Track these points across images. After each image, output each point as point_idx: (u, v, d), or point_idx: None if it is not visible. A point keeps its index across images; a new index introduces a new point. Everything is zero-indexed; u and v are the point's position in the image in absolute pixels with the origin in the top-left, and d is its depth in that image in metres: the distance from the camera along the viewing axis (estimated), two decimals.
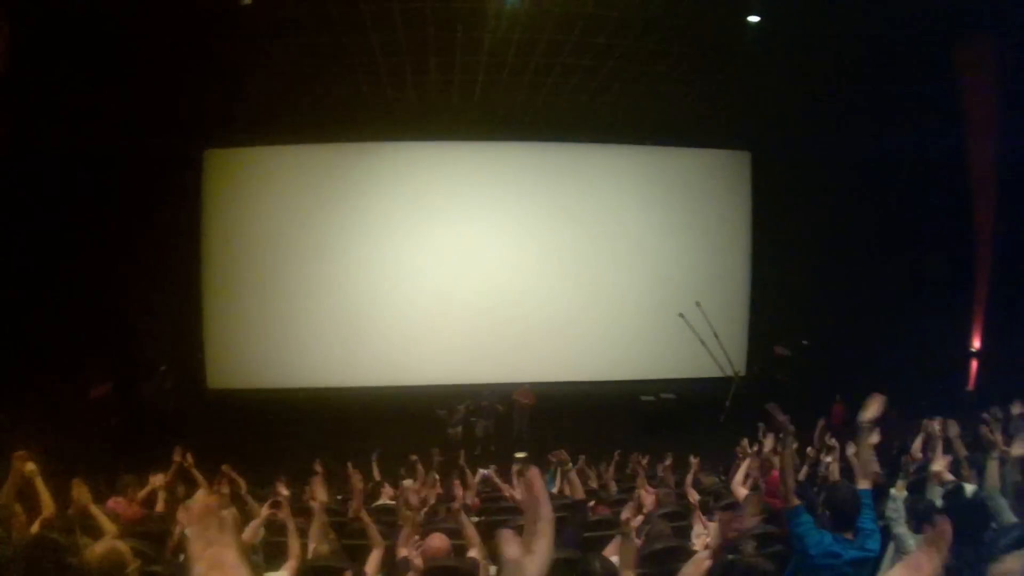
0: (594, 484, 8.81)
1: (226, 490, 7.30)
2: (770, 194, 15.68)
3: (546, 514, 1.68)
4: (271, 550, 5.29)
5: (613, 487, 8.77)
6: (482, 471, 9.31)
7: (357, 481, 5.94)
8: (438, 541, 4.49)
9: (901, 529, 4.51)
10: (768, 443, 8.13)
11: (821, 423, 9.54)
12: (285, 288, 15.02)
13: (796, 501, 4.10)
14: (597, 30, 10.96)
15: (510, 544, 1.55)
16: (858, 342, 13.28)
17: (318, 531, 5.12)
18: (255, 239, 14.97)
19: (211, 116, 13.77)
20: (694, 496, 6.70)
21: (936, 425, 6.30)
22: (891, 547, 4.47)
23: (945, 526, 2.03)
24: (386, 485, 8.84)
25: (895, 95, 12.03)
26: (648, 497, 6.49)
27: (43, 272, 11.23)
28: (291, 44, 11.19)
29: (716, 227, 16.17)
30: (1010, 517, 4.57)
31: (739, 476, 6.74)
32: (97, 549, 3.41)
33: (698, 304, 15.07)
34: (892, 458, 7.65)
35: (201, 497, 7.09)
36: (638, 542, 5.16)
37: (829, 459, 7.36)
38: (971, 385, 12.05)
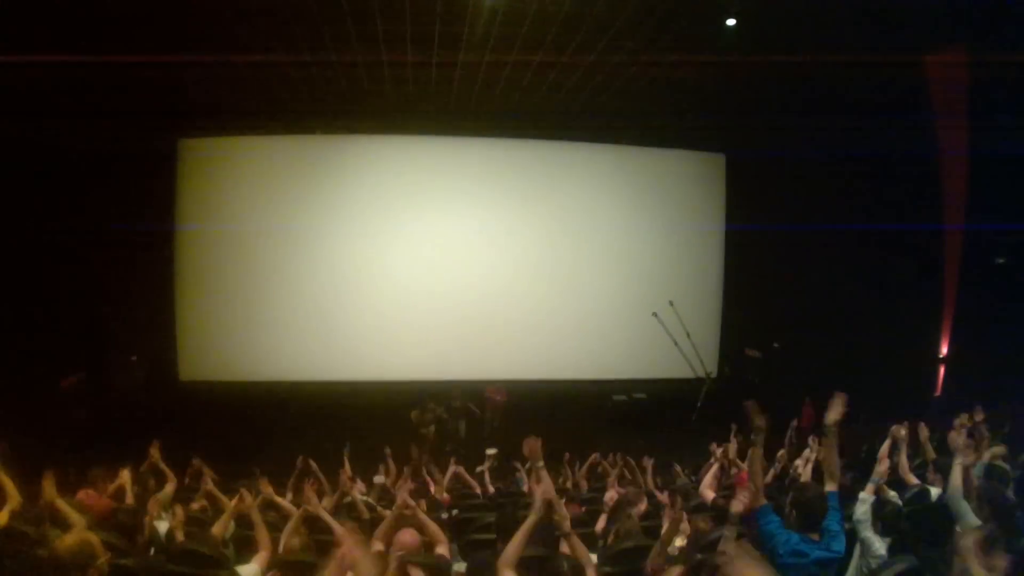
0: (567, 483, 8.86)
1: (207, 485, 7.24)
2: (744, 197, 15.80)
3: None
4: (242, 543, 5.30)
5: (584, 485, 8.84)
6: (453, 467, 9.35)
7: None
8: (408, 536, 4.50)
9: (868, 532, 4.60)
10: (732, 447, 8.24)
11: (793, 424, 9.66)
12: (259, 280, 14.90)
13: (764, 500, 4.17)
14: (574, 29, 10.98)
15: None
16: (829, 345, 13.43)
17: (293, 526, 5.13)
18: (230, 230, 14.82)
19: (186, 105, 13.61)
20: (664, 498, 6.77)
21: (903, 430, 6.40)
22: (857, 549, 4.55)
23: None
24: (357, 480, 8.83)
25: (869, 99, 12.16)
26: (614, 496, 6.54)
27: (12, 261, 11.11)
28: (267, 33, 11.11)
29: (690, 228, 16.22)
30: (973, 520, 4.65)
31: (708, 479, 6.81)
32: (67, 540, 3.40)
33: (671, 304, 15.12)
34: (861, 461, 7.78)
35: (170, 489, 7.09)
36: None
37: (800, 461, 7.47)
38: (938, 390, 12.23)
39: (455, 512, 7.66)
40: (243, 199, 14.89)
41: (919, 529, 4.57)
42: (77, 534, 3.57)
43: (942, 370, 12.43)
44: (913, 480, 5.71)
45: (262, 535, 4.63)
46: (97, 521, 5.04)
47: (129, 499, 6.43)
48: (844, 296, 13.49)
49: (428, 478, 8.89)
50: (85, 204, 12.31)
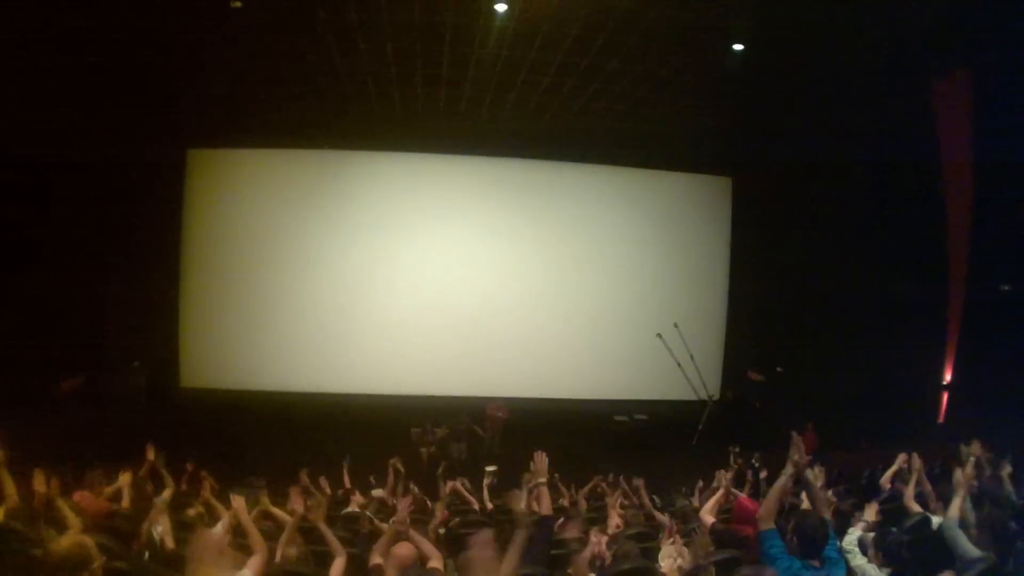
0: (564, 502, 8.80)
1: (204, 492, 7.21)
2: (749, 220, 15.80)
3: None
4: (238, 552, 5.26)
5: (583, 505, 8.77)
6: (451, 483, 9.30)
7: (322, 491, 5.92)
8: (405, 550, 4.48)
9: (860, 560, 4.56)
10: (724, 477, 8.18)
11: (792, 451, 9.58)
12: (263, 291, 14.93)
13: (771, 524, 4.14)
14: (583, 51, 11.06)
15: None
16: (832, 370, 13.38)
17: (288, 536, 5.10)
18: (236, 240, 14.88)
19: (196, 116, 13.71)
20: (664, 519, 6.72)
21: (907, 459, 6.36)
22: None
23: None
24: (356, 492, 8.79)
25: (875, 124, 12.18)
26: (613, 517, 6.49)
27: (19, 264, 11.13)
28: (279, 48, 11.20)
29: (695, 251, 16.23)
30: (971, 550, 4.61)
31: (710, 504, 6.74)
32: (63, 542, 3.38)
33: (676, 326, 15.12)
34: (861, 487, 7.72)
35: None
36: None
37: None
38: (941, 418, 12.17)
39: (454, 522, 7.62)
40: (249, 210, 14.95)
41: (920, 559, 4.52)
42: (72, 537, 3.55)
43: (945, 397, 12.36)
44: (916, 508, 5.64)
45: (255, 540, 4.59)
46: (93, 523, 5.02)
47: (126, 503, 6.40)
48: (848, 321, 13.45)
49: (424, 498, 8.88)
50: (93, 210, 12.33)
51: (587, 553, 4.69)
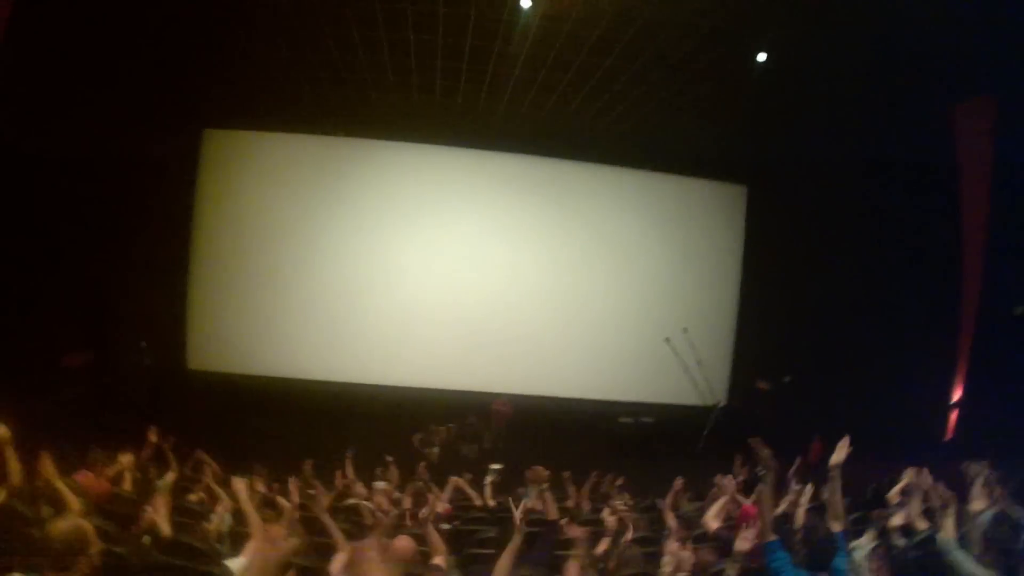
0: (571, 503, 8.75)
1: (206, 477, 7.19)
2: (763, 229, 15.72)
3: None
4: (238, 539, 5.24)
5: (586, 506, 8.73)
6: (453, 479, 9.26)
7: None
8: (403, 542, 4.45)
9: None
10: (729, 483, 8.12)
11: (798, 461, 9.52)
12: (275, 275, 14.90)
13: (773, 536, 4.08)
14: (605, 52, 11.00)
15: None
16: (841, 381, 13.29)
17: (289, 527, 5.07)
18: (249, 223, 14.87)
19: (212, 96, 13.68)
20: (673, 522, 6.66)
21: (914, 474, 6.29)
22: None
23: None
24: (359, 484, 8.76)
25: (894, 137, 12.09)
26: (612, 521, 6.43)
27: (28, 241, 11.11)
28: (302, 33, 11.16)
29: (707, 256, 16.15)
30: (975, 570, 4.55)
31: (713, 511, 6.69)
32: (61, 525, 3.35)
33: (685, 330, 15.08)
34: (865, 502, 7.64)
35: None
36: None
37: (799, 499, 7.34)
38: (950, 435, 12.06)
39: (456, 523, 7.59)
40: (265, 194, 14.94)
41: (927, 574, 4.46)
42: (71, 521, 3.52)
43: (954, 415, 12.25)
44: (922, 524, 5.57)
45: (255, 525, 4.56)
46: (94, 504, 5.00)
47: (127, 484, 6.39)
48: (859, 334, 13.35)
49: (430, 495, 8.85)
50: (106, 187, 12.30)
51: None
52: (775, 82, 11.18)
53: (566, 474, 9.35)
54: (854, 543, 4.78)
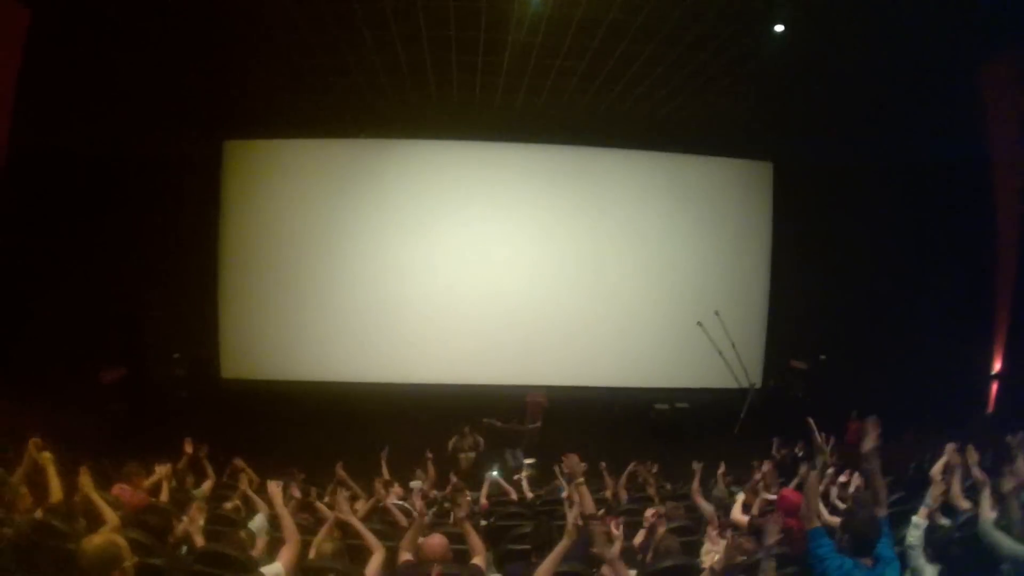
0: (607, 493, 8.69)
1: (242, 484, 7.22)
2: (791, 205, 15.49)
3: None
4: (275, 545, 5.25)
5: (624, 496, 8.67)
6: (490, 474, 9.25)
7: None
8: (436, 540, 4.42)
9: (920, 560, 4.35)
10: (767, 468, 8.03)
11: (832, 442, 9.39)
12: (302, 280, 15.00)
13: (817, 522, 3.98)
14: (620, 35, 10.87)
15: None
16: (877, 358, 13.11)
17: (326, 531, 5.08)
18: (274, 230, 14.97)
19: (231, 108, 13.78)
20: (707, 508, 6.58)
21: (955, 450, 6.15)
22: None
23: None
24: (396, 484, 8.76)
25: (920, 106, 11.87)
26: (650, 513, 6.38)
27: (60, 258, 11.26)
28: (314, 37, 11.16)
29: (736, 237, 15.97)
30: (1013, 547, 4.45)
31: (737, 506, 6.58)
32: (94, 540, 3.36)
33: (717, 313, 14.96)
34: (908, 480, 7.51)
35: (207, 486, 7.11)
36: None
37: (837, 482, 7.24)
38: (991, 407, 11.85)
39: (492, 519, 7.57)
40: (288, 200, 15.02)
41: (970, 556, 4.35)
42: (104, 535, 3.53)
43: (995, 386, 12.02)
44: (965, 504, 5.44)
45: (289, 531, 4.57)
46: (131, 516, 5.04)
47: (164, 495, 6.44)
48: (893, 307, 13.15)
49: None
50: (133, 203, 12.44)
51: (617, 548, 4.58)
52: (794, 53, 10.99)
53: (603, 464, 9.29)
54: (914, 520, 4.65)
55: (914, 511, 4.75)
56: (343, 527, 5.43)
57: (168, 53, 11.22)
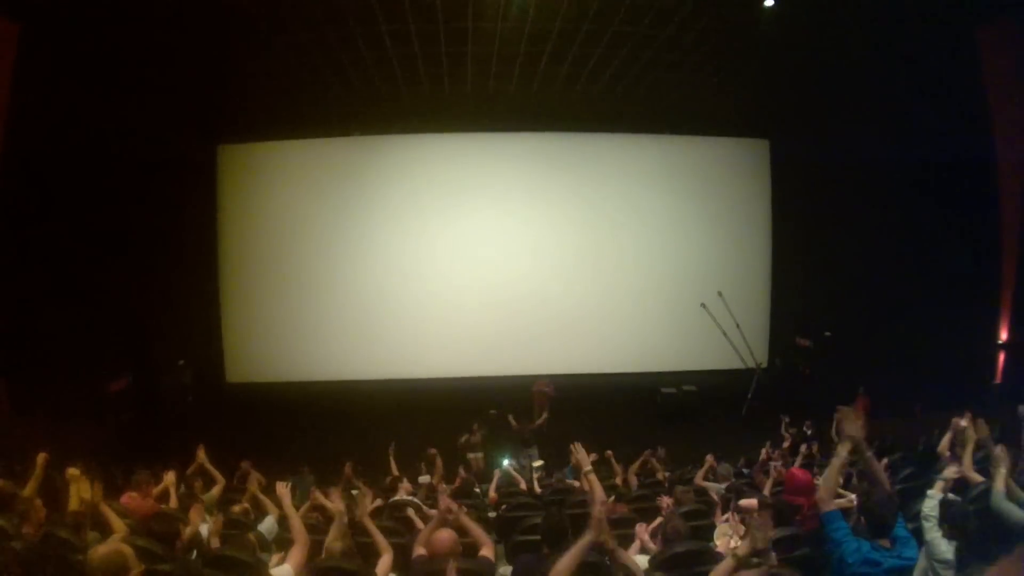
0: (617, 480, 8.68)
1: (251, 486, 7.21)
2: (790, 182, 15.41)
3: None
4: (285, 546, 5.23)
5: (634, 482, 8.66)
6: (501, 464, 9.23)
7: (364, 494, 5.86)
8: (446, 534, 4.41)
9: (935, 533, 4.29)
10: (776, 451, 8.00)
11: (837, 421, 9.38)
12: (301, 281, 15.00)
13: (832, 505, 3.90)
14: (610, 18, 10.82)
15: None
16: (882, 333, 13.05)
17: (336, 531, 5.06)
18: (271, 233, 14.98)
19: (223, 112, 13.78)
20: (716, 487, 6.57)
21: (964, 422, 6.09)
22: (922, 553, 4.22)
23: None
24: (404, 480, 8.74)
25: (917, 78, 11.79)
26: (664, 500, 6.35)
27: (61, 269, 11.24)
28: (301, 37, 11.14)
29: (735, 216, 15.93)
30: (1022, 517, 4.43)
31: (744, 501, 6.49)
32: (100, 550, 3.35)
33: (720, 294, 14.92)
34: (918, 455, 7.48)
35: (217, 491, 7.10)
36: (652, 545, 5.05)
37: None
38: (998, 378, 11.79)
39: (503, 508, 7.55)
40: (283, 202, 15.03)
41: (987, 531, 4.29)
42: (110, 545, 3.52)
43: (1002, 357, 11.96)
44: (977, 478, 5.37)
45: (298, 531, 4.55)
46: (140, 524, 5.02)
47: (173, 501, 6.42)
48: (898, 280, 13.08)
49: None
50: (131, 213, 12.41)
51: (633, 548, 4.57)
52: (783, 28, 10.92)
53: (609, 452, 9.27)
54: (928, 492, 4.60)
55: (926, 487, 4.72)
56: (354, 526, 5.41)
57: (160, 59, 11.22)
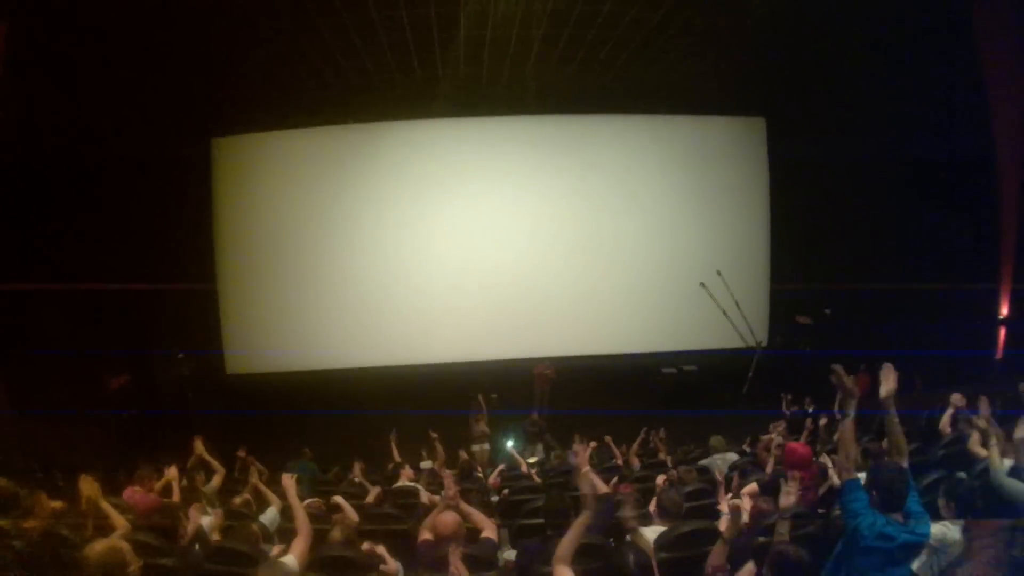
0: (618, 461, 8.69)
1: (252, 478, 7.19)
2: (787, 159, 15.32)
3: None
4: (287, 537, 5.22)
5: (636, 463, 8.67)
6: (505, 448, 9.25)
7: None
8: (450, 517, 4.41)
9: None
10: (779, 429, 8.00)
11: (840, 396, 9.35)
12: (300, 271, 14.97)
13: (854, 474, 3.84)
14: None
15: None
16: (882, 309, 13.02)
17: (341, 524, 5.06)
18: (268, 224, 14.93)
19: (216, 105, 13.71)
20: (718, 466, 6.57)
21: (962, 397, 6.09)
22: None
23: None
24: (406, 466, 8.74)
25: (914, 53, 11.72)
26: (661, 479, 6.34)
27: (59, 264, 11.21)
28: (292, 26, 11.06)
29: (733, 195, 15.87)
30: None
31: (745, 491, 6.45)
32: (97, 547, 3.33)
33: (719, 273, 14.88)
34: (920, 432, 7.46)
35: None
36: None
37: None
38: (999, 354, 11.77)
39: (505, 492, 7.56)
40: (280, 193, 14.97)
41: (994, 509, 4.26)
42: (107, 541, 3.50)
43: (1003, 332, 11.94)
44: (982, 452, 5.33)
45: (301, 522, 4.53)
46: (143, 518, 5.00)
47: (176, 495, 6.40)
48: (897, 257, 13.06)
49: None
50: (127, 207, 12.36)
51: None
52: (777, 4, 10.85)
53: (607, 438, 9.28)
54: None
55: (931, 462, 4.71)
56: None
57: (150, 54, 11.16)
